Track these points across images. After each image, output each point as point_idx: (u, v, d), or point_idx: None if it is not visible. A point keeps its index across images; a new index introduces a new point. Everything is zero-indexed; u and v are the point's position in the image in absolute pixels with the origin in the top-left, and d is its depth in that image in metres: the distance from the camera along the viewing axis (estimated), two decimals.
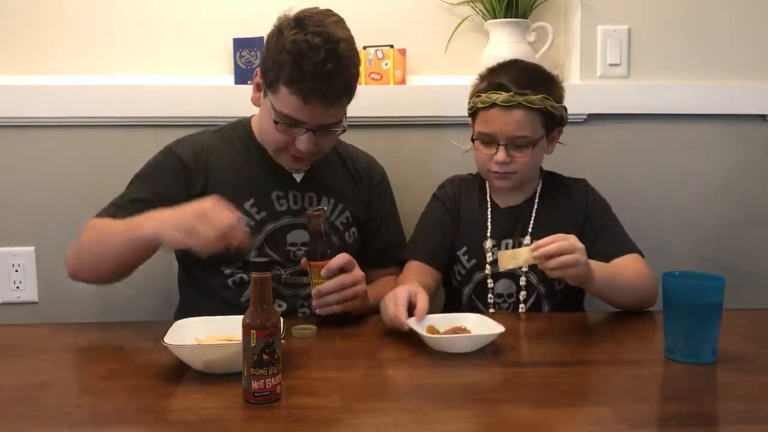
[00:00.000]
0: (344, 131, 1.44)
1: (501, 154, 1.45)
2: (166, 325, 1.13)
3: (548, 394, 1.01)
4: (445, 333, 1.21)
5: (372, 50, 1.87)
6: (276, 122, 1.37)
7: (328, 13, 1.38)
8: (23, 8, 1.84)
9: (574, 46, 1.91)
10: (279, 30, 1.35)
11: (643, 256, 1.50)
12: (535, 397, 1.00)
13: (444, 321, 1.25)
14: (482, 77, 1.52)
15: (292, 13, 1.37)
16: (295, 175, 1.50)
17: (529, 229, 1.52)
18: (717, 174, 1.95)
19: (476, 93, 1.49)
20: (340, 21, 1.38)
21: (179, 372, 1.06)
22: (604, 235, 1.51)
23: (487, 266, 1.51)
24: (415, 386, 1.04)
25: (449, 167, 1.78)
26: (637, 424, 0.90)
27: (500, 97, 1.42)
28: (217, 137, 1.52)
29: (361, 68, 1.84)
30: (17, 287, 1.86)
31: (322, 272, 1.31)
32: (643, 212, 1.85)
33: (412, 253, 1.56)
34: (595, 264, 1.30)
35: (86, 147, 1.81)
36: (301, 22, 1.33)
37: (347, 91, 1.38)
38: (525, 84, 1.44)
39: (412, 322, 1.21)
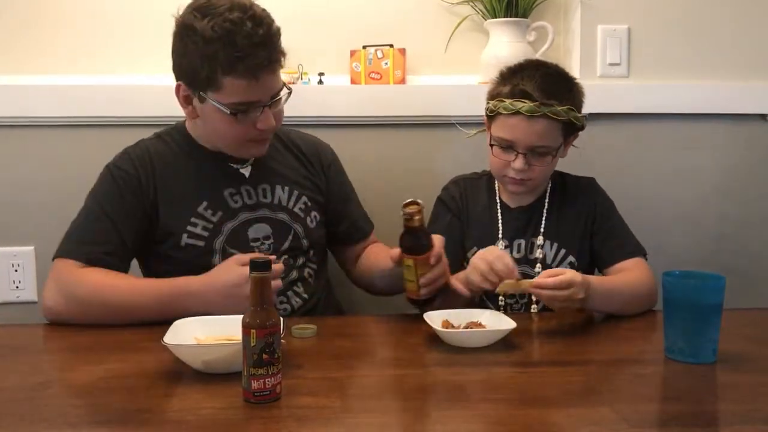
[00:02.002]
0: (290, 93, 1.39)
1: (519, 163, 1.44)
2: (165, 325, 1.13)
3: (548, 394, 1.01)
4: (459, 328, 1.23)
5: (372, 49, 1.87)
6: (234, 114, 1.32)
7: None
8: (23, 8, 1.84)
9: (574, 46, 1.91)
10: (186, 27, 1.30)
11: (646, 256, 1.51)
12: (535, 396, 1.00)
13: (458, 316, 1.27)
14: (503, 78, 1.48)
15: (181, 11, 1.32)
16: (242, 170, 1.46)
17: (541, 229, 1.52)
18: (717, 173, 1.95)
19: (497, 96, 1.46)
20: None
21: (179, 372, 1.06)
22: (611, 237, 1.52)
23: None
24: (415, 386, 1.04)
25: (449, 167, 1.78)
26: (637, 423, 0.90)
27: (525, 106, 1.40)
28: (159, 142, 1.47)
29: (361, 68, 1.87)
30: (17, 287, 1.86)
31: (433, 260, 1.31)
32: (643, 212, 1.85)
33: None
34: (594, 284, 1.32)
35: (86, 147, 1.81)
36: (205, 9, 1.29)
37: (281, 49, 1.33)
38: (550, 93, 1.41)
39: (427, 317, 1.23)
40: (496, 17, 1.85)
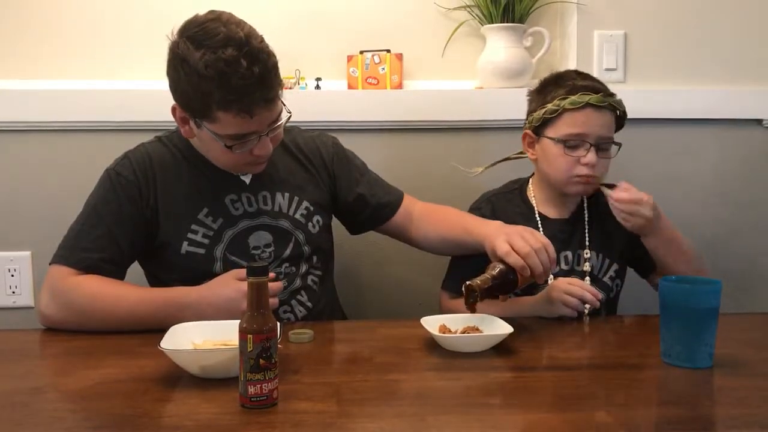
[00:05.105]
0: (290, 115, 1.35)
1: (592, 155, 1.44)
2: (163, 330, 1.12)
3: (546, 399, 1.01)
4: (456, 332, 1.23)
5: (369, 55, 1.87)
6: (229, 147, 1.30)
7: (215, 16, 1.26)
8: (18, 13, 1.85)
9: (570, 51, 1.92)
10: (180, 58, 1.25)
11: None
12: (532, 401, 1.00)
13: (455, 321, 1.27)
14: (546, 89, 1.49)
15: (174, 33, 1.27)
16: (243, 177, 1.43)
17: (587, 242, 1.52)
18: (713, 178, 1.96)
19: (554, 99, 1.45)
20: (230, 17, 1.27)
21: (175, 377, 1.05)
22: None
23: (550, 280, 1.45)
24: (412, 391, 1.04)
25: (446, 172, 1.78)
26: (634, 428, 0.90)
27: (593, 97, 1.43)
28: (160, 146, 1.45)
29: (358, 73, 1.87)
30: (13, 292, 1.85)
31: (526, 272, 1.28)
32: None
33: (450, 286, 1.54)
34: (663, 216, 1.43)
35: (83, 151, 1.81)
36: (199, 39, 1.23)
37: (278, 81, 1.29)
38: (605, 87, 1.48)
39: (424, 322, 1.23)
40: (492, 23, 1.85)
